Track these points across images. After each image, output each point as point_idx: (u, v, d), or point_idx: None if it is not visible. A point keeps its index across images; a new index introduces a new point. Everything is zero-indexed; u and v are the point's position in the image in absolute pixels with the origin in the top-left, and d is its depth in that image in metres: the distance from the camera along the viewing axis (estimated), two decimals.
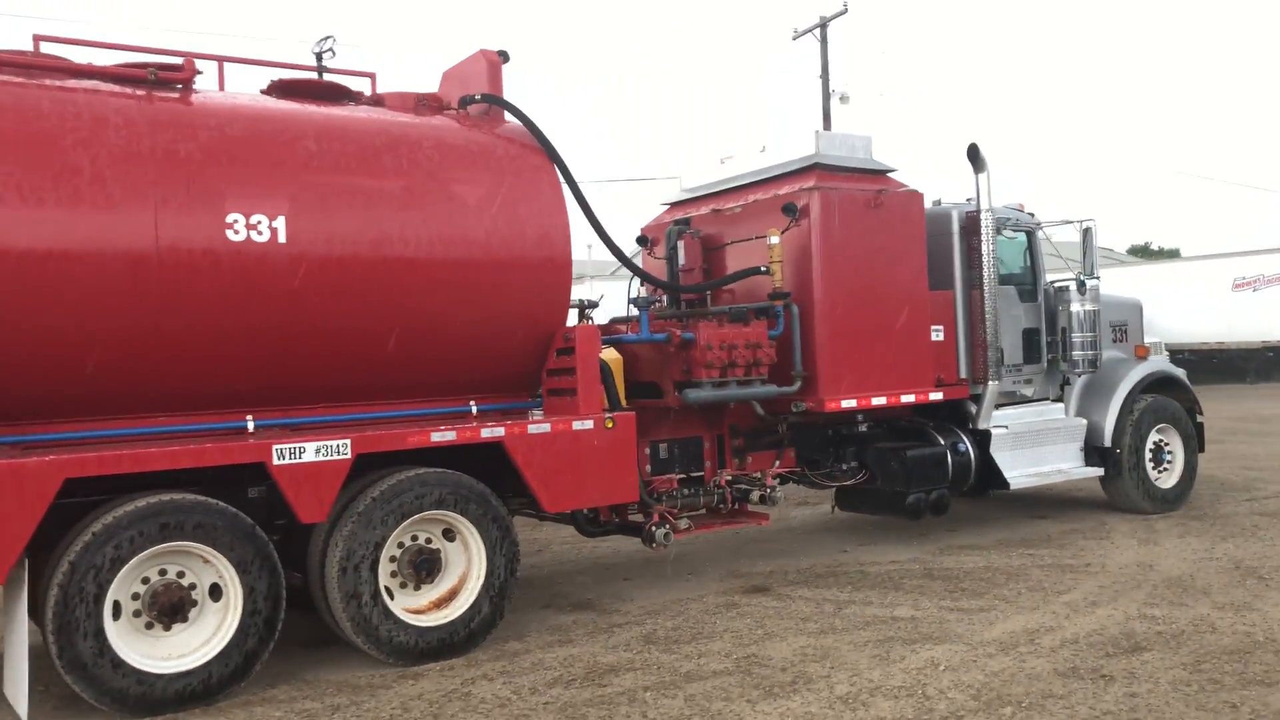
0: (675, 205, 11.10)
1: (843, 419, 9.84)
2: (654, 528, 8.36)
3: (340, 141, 7.37)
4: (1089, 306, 11.04)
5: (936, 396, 9.88)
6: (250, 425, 7.08)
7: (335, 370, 7.29)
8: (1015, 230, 11.09)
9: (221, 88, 7.88)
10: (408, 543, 7.28)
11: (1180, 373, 12.18)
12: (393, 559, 7.22)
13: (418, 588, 7.32)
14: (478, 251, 7.64)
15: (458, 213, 7.61)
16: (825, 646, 7.06)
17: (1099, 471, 11.22)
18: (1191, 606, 7.67)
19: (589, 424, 7.78)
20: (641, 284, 9.60)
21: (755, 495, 9.03)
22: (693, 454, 9.30)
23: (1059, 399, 11.38)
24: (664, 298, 10.34)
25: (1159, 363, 11.97)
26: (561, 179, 8.20)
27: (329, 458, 6.80)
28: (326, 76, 8.84)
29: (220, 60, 8.10)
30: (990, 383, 10.29)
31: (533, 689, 6.48)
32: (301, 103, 7.73)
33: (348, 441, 6.88)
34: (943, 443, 10.13)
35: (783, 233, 9.33)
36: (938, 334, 10.23)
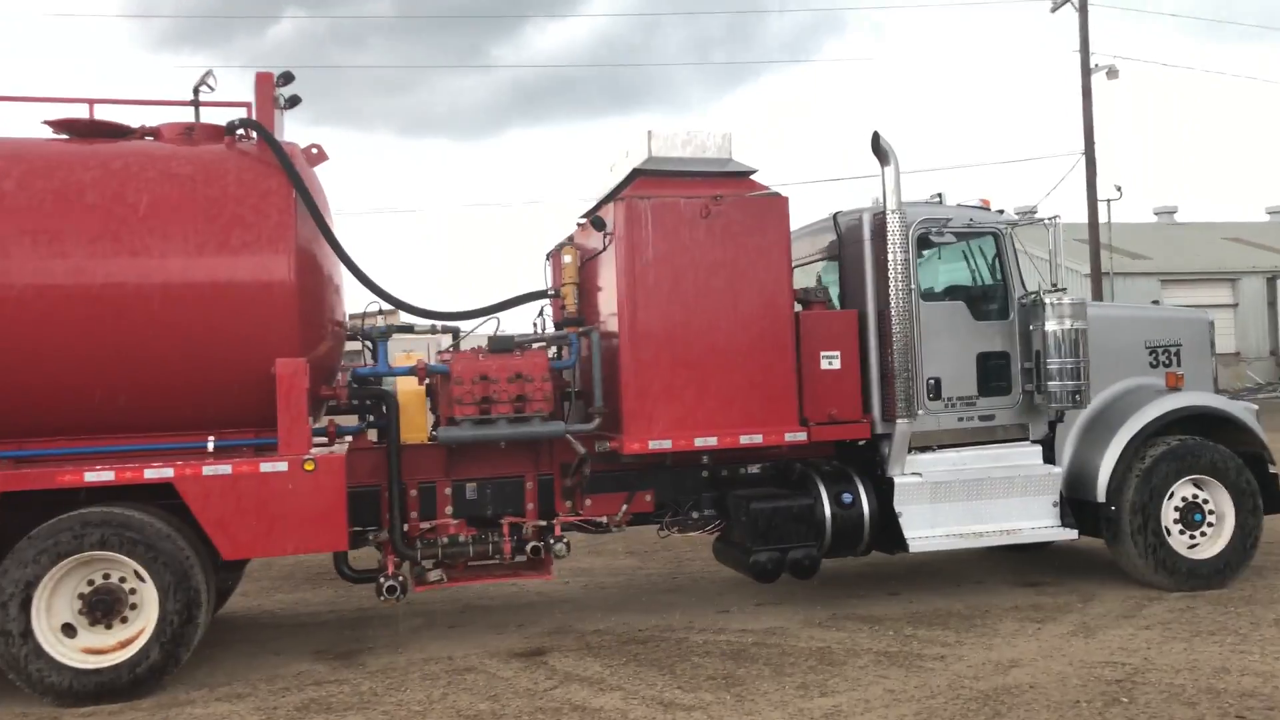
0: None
1: (691, 459, 8.51)
2: (382, 580, 7.67)
3: (44, 179, 7.43)
4: (1069, 324, 8.77)
5: (797, 437, 8.26)
6: None
7: (31, 406, 7.34)
8: (970, 233, 9.04)
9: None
10: (99, 580, 7.20)
11: (1237, 408, 9.35)
12: (81, 596, 7.17)
13: (109, 626, 7.21)
14: (175, 281, 7.39)
15: (158, 244, 7.41)
16: None
17: (1072, 534, 8.84)
18: None
19: (282, 466, 7.28)
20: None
21: (530, 547, 8.01)
22: (510, 495, 8.45)
23: (1040, 440, 9.11)
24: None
25: (1195, 395, 9.24)
26: (301, 202, 7.75)
27: None
28: (201, 110, 9.00)
29: (90, 102, 8.52)
30: (899, 421, 8.44)
31: None
32: (78, 142, 7.92)
33: None
34: (822, 491, 8.45)
35: (602, 251, 8.27)
36: (830, 362, 8.57)
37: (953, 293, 9.13)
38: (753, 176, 8.51)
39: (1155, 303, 10.95)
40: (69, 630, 7.14)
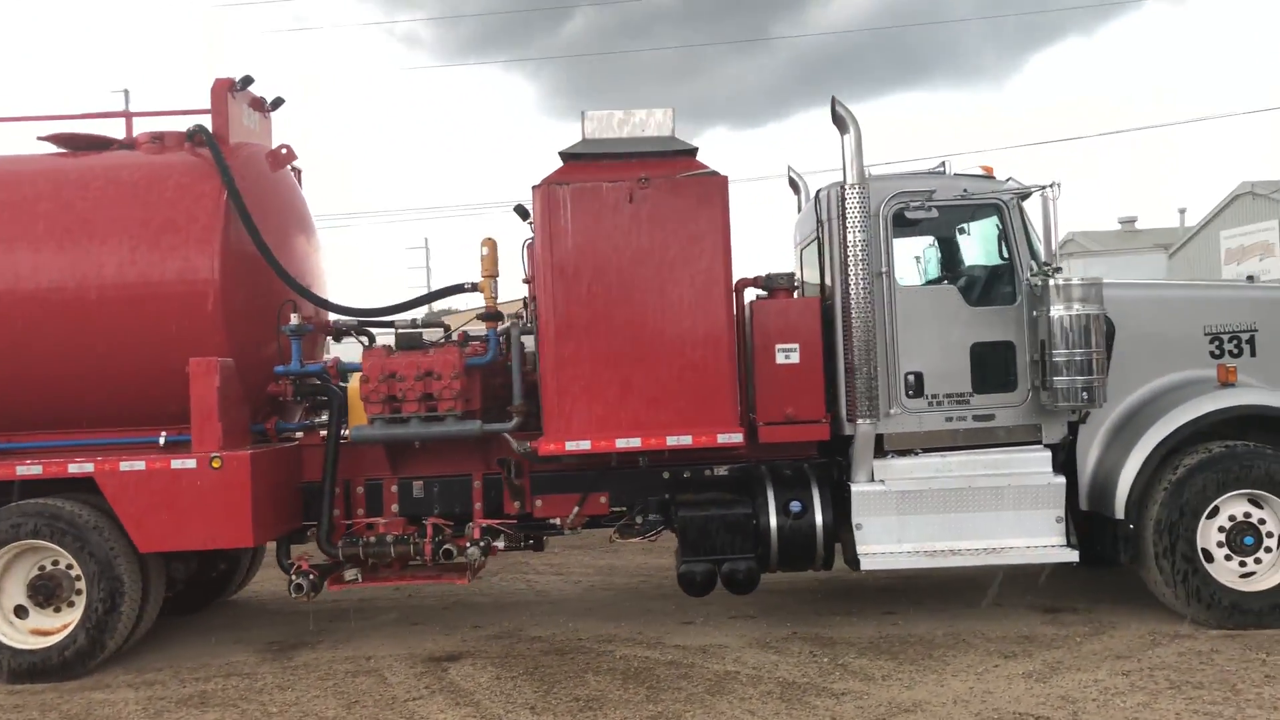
0: None
1: (653, 460, 7.96)
2: (293, 575, 7.70)
3: (6, 191, 8.03)
4: (1078, 309, 7.47)
5: (732, 439, 7.51)
6: None
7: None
8: (964, 205, 7.89)
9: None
10: (48, 567, 7.71)
11: None
12: (30, 581, 7.70)
13: (56, 610, 7.71)
14: (109, 283, 7.78)
15: (96, 248, 7.83)
16: None
17: (1072, 555, 7.51)
18: None
19: (191, 463, 7.47)
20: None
21: (443, 549, 7.76)
22: (457, 494, 8.27)
23: (1058, 444, 7.82)
24: None
25: (1249, 393, 7.59)
26: (233, 204, 7.90)
27: None
28: None
29: (127, 116, 9.25)
30: (860, 422, 7.52)
31: None
32: (68, 155, 8.53)
33: None
34: (770, 499, 7.67)
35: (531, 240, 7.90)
36: (787, 355, 7.77)
37: (942, 276, 8.02)
38: (699, 156, 7.82)
39: (1250, 279, 9.04)
40: (21, 612, 7.70)
